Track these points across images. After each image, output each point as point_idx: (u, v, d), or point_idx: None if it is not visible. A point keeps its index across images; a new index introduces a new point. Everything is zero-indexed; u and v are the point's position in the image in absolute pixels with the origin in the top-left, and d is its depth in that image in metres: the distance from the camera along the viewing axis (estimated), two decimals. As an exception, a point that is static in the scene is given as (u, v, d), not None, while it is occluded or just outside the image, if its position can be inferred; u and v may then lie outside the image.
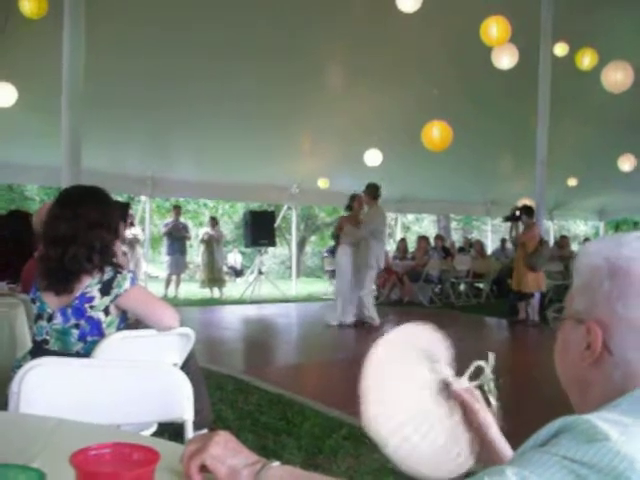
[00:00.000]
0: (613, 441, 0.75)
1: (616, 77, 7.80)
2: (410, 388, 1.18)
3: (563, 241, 14.83)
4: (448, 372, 1.22)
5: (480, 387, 1.23)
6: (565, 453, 0.76)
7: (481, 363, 1.22)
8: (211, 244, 14.00)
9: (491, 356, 1.23)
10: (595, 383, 0.95)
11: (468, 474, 1.16)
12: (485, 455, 1.19)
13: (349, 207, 9.39)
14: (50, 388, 1.82)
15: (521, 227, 10.01)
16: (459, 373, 1.23)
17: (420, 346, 1.21)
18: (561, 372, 1.03)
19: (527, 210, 9.89)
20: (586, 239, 17.30)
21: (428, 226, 27.07)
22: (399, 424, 1.12)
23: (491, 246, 17.24)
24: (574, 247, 15.73)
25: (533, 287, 9.87)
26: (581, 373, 0.97)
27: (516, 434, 1.20)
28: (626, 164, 11.67)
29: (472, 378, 1.23)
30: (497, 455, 1.16)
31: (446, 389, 1.21)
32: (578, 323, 0.97)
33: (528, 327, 9.75)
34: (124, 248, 3.82)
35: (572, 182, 14.79)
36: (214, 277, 13.92)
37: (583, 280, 0.98)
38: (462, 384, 1.21)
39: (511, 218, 10.19)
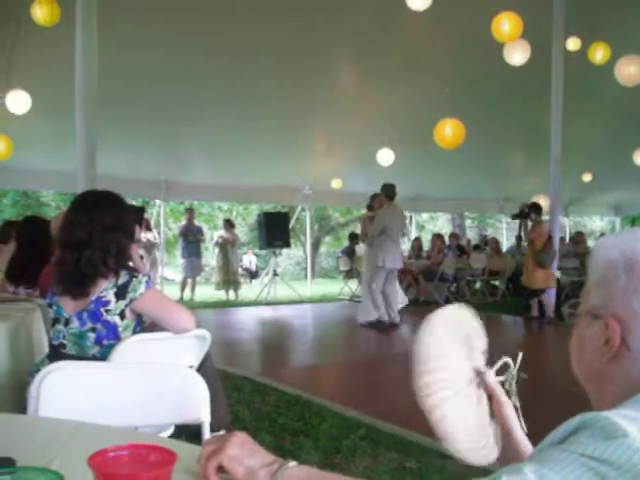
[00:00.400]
0: (632, 437, 0.75)
1: (629, 71, 7.75)
2: (457, 358, 1.18)
3: (578, 237, 14.74)
4: (481, 362, 1.22)
5: (502, 383, 1.23)
6: (584, 450, 0.75)
7: (508, 360, 1.22)
8: (225, 247, 14.03)
9: (519, 355, 1.23)
10: (613, 378, 0.95)
11: (486, 472, 1.16)
12: (507, 450, 1.19)
13: (370, 207, 9.47)
14: (68, 391, 1.83)
15: (530, 225, 10.05)
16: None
17: (464, 330, 1.22)
18: (578, 368, 1.03)
19: (535, 208, 9.94)
20: (602, 234, 17.18)
21: (443, 225, 26.99)
22: (452, 393, 1.12)
23: (506, 244, 17.15)
24: (590, 243, 15.62)
25: (542, 283, 9.90)
26: (599, 368, 0.96)
27: (532, 431, 1.20)
28: (641, 158, 11.58)
29: (497, 373, 1.23)
30: (518, 452, 1.16)
31: (477, 378, 1.21)
32: (595, 318, 0.97)
33: (544, 324, 9.72)
34: (141, 252, 3.84)
35: (587, 178, 14.69)
36: (229, 279, 13.96)
37: (599, 275, 0.98)
38: (492, 376, 1.21)
39: (519, 216, 10.24)
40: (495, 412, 1.21)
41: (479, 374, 1.20)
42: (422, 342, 1.12)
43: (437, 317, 1.16)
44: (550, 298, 9.97)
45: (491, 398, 1.21)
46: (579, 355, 1.02)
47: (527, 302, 10.24)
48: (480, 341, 1.24)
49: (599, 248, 1.01)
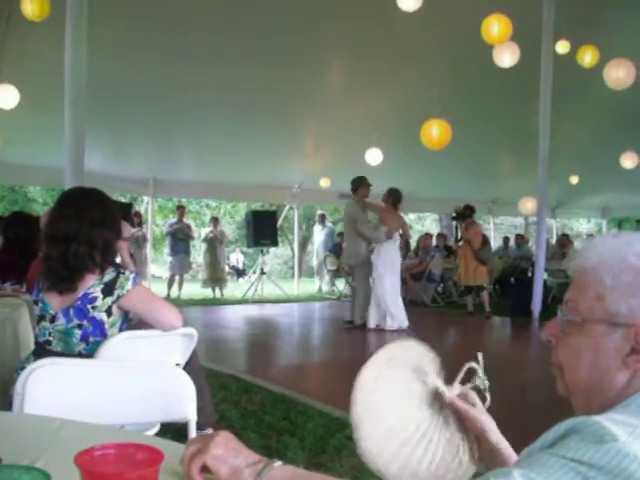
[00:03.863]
0: (621, 442, 0.75)
1: (618, 74, 7.80)
2: (402, 407, 1.17)
3: (564, 239, 14.82)
4: (438, 382, 1.20)
5: (476, 387, 1.22)
6: (573, 455, 0.75)
7: (472, 364, 1.21)
8: (214, 244, 14.02)
9: (480, 356, 1.22)
10: (615, 386, 0.92)
11: (475, 475, 1.16)
12: (488, 459, 1.18)
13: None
14: (54, 389, 1.82)
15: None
16: (459, 371, 1.23)
17: (406, 362, 1.20)
18: (577, 377, 0.97)
19: (469, 209, 10.47)
20: (589, 236, 17.28)
21: (430, 225, 27.04)
22: (395, 450, 1.12)
23: (494, 245, 17.21)
24: (576, 245, 15.68)
25: (484, 280, 10.57)
26: (609, 379, 0.93)
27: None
28: (628, 161, 11.68)
29: (466, 380, 1.22)
30: (499, 458, 1.15)
31: (438, 399, 1.20)
32: (614, 326, 0.93)
33: (489, 319, 10.17)
34: (131, 249, 3.82)
35: (574, 180, 14.79)
36: (216, 277, 13.94)
37: (621, 280, 0.93)
38: (454, 390, 1.20)
39: (458, 217, 10.79)
40: (465, 427, 1.20)
41: (437, 396, 1.19)
42: (355, 400, 1.13)
43: (366, 370, 1.15)
44: (485, 293, 10.59)
45: (458, 414, 1.19)
46: (578, 365, 0.97)
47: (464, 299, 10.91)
48: (431, 363, 1.22)
49: (610, 256, 0.96)
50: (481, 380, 1.21)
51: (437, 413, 1.20)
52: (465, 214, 10.48)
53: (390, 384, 1.16)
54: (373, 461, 1.11)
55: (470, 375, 1.22)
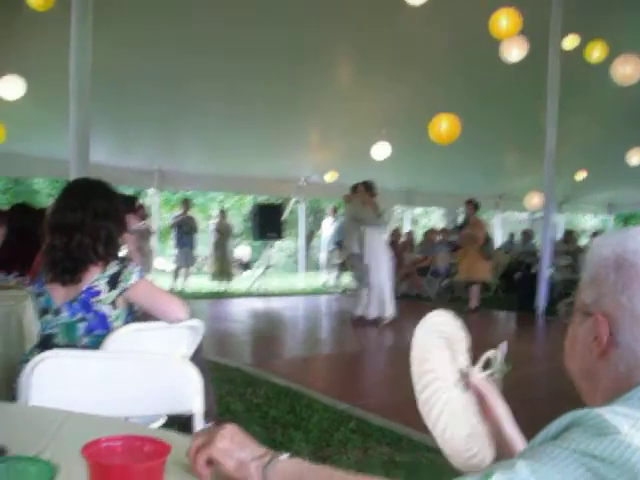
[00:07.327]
0: (624, 434, 0.76)
1: (625, 70, 7.76)
2: (444, 369, 1.19)
3: (570, 236, 14.79)
4: (466, 362, 1.22)
5: (492, 375, 1.23)
6: (576, 447, 0.77)
7: (491, 353, 1.23)
8: (222, 236, 13.94)
9: (504, 345, 1.23)
10: (603, 375, 0.96)
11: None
12: (500, 448, 1.19)
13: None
14: (59, 381, 1.82)
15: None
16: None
17: (446, 334, 1.22)
18: (570, 364, 1.04)
19: (474, 205, 10.61)
20: (595, 233, 17.24)
21: (437, 219, 26.99)
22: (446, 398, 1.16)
23: (500, 240, 17.18)
24: (583, 241, 15.67)
25: (487, 276, 10.73)
26: (589, 365, 0.98)
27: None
28: (635, 157, 11.63)
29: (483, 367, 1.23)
30: (511, 446, 1.17)
31: (463, 379, 1.20)
32: (586, 315, 0.98)
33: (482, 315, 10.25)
34: (138, 243, 3.81)
35: (581, 176, 14.75)
36: (225, 270, 13.91)
37: (591, 273, 0.99)
38: (477, 374, 1.21)
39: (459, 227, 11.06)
40: (484, 412, 1.21)
41: (464, 376, 1.20)
42: (414, 347, 1.16)
43: (422, 325, 1.19)
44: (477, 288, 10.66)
45: (480, 398, 1.21)
46: (571, 352, 1.03)
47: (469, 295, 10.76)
48: (462, 342, 1.24)
49: (593, 247, 1.02)
50: (499, 369, 1.22)
51: (461, 392, 1.20)
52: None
53: (439, 353, 1.20)
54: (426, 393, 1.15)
55: (487, 365, 1.23)
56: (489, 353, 1.22)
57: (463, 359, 1.22)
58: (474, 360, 1.23)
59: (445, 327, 1.23)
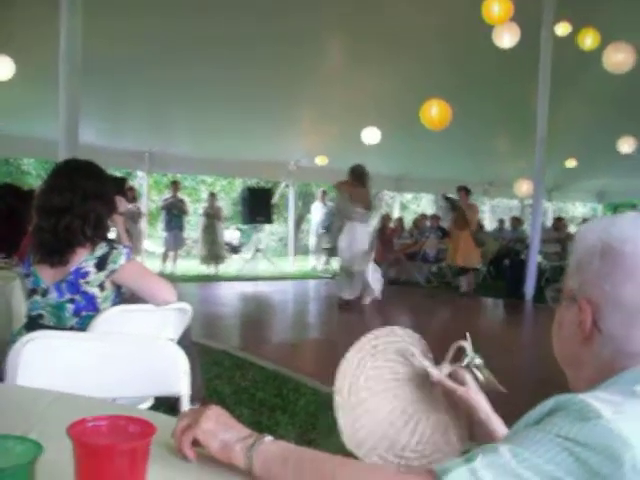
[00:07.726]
0: (606, 419, 0.76)
1: (617, 58, 7.78)
2: (387, 390, 1.20)
3: (559, 223, 14.84)
4: (425, 363, 1.22)
5: (467, 366, 1.23)
6: (559, 431, 0.77)
7: (462, 343, 1.22)
8: (212, 220, 13.88)
9: (468, 335, 1.23)
10: (586, 361, 0.97)
11: (464, 452, 1.17)
12: (480, 436, 1.20)
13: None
14: (46, 361, 1.82)
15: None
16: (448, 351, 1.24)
17: (391, 346, 1.22)
18: (557, 350, 1.05)
19: (466, 191, 10.68)
20: (584, 220, 17.30)
21: (426, 205, 27.02)
22: (377, 430, 1.19)
23: (489, 226, 17.23)
24: (572, 229, 15.74)
25: (478, 262, 10.95)
26: (574, 351, 0.99)
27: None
28: (625, 146, 11.66)
29: (457, 360, 1.24)
30: (492, 435, 1.17)
31: (427, 380, 1.21)
32: (571, 301, 0.99)
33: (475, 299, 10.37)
34: (127, 225, 3.78)
35: (571, 163, 14.77)
36: (215, 253, 13.86)
37: (577, 259, 1.00)
38: (444, 370, 1.21)
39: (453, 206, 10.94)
40: (456, 405, 1.22)
41: (427, 377, 1.21)
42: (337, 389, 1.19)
43: (347, 359, 1.22)
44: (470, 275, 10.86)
45: (448, 393, 1.22)
46: (557, 338, 1.04)
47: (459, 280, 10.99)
48: (417, 344, 1.24)
49: (579, 234, 1.03)
50: (470, 358, 1.21)
51: (427, 394, 1.21)
52: (454, 205, 10.68)
53: (374, 369, 1.20)
54: (349, 438, 1.21)
55: (461, 354, 1.23)
56: (454, 346, 1.22)
57: (422, 361, 1.22)
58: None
59: (390, 338, 1.23)
